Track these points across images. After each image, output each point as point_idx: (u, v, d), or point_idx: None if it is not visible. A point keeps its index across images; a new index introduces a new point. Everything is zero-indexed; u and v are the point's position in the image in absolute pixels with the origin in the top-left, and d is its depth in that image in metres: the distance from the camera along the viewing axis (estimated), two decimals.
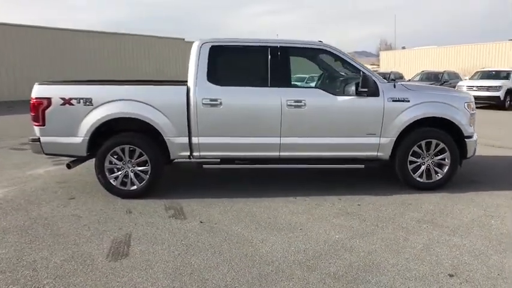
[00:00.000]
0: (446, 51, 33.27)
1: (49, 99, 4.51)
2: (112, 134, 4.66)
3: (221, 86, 4.58)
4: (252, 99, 4.60)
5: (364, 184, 5.20)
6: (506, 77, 15.34)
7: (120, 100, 4.53)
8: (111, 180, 4.66)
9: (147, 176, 4.65)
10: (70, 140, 4.60)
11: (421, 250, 3.31)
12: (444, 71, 18.57)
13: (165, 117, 4.54)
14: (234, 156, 4.74)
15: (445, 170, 4.83)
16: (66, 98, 4.51)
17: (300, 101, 4.56)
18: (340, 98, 4.62)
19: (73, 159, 4.85)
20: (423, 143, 4.76)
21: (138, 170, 4.67)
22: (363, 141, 4.72)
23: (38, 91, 4.55)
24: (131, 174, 4.67)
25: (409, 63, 35.69)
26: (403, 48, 50.05)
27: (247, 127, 4.62)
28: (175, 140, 4.61)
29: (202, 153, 4.68)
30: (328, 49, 4.78)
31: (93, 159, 4.82)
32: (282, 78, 4.65)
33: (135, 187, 4.68)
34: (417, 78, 18.87)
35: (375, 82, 4.61)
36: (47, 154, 4.76)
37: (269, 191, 4.90)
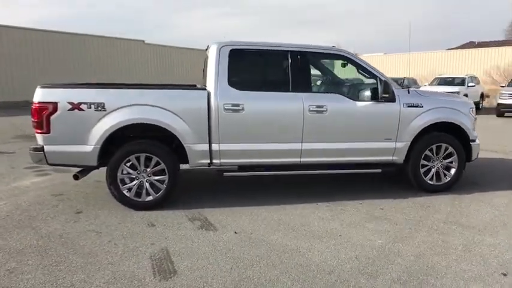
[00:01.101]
0: (396, 58, 35.19)
1: (55, 104, 4.11)
2: (122, 142, 4.35)
3: (243, 90, 4.44)
4: (275, 104, 4.52)
5: (374, 188, 5.29)
6: (462, 83, 16.52)
7: (136, 105, 4.24)
8: (125, 192, 4.34)
9: (164, 186, 4.39)
10: (79, 148, 4.22)
11: (464, 251, 3.41)
12: (404, 78, 19.51)
13: (185, 123, 4.32)
14: (254, 163, 4.61)
15: (453, 173, 5.06)
16: (75, 102, 4.13)
17: (321, 106, 4.55)
18: (360, 104, 4.67)
19: (79, 169, 4.47)
20: (434, 147, 4.95)
21: (154, 180, 4.39)
22: (380, 146, 4.81)
23: (42, 95, 4.13)
24: (146, 184, 4.38)
25: None
26: (356, 54, 52.27)
27: (269, 133, 4.53)
28: (195, 147, 4.40)
29: (222, 161, 4.51)
30: (346, 55, 4.83)
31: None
32: (303, 83, 4.62)
33: (150, 198, 4.39)
34: None
35: (392, 88, 4.72)
36: (50, 164, 4.32)
37: (287, 197, 4.83)
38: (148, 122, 4.25)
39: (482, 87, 18.64)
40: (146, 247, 3.46)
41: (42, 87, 4.18)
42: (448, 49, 42.09)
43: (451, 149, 4.99)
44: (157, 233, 3.77)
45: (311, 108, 4.54)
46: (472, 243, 3.57)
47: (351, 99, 4.69)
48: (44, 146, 4.19)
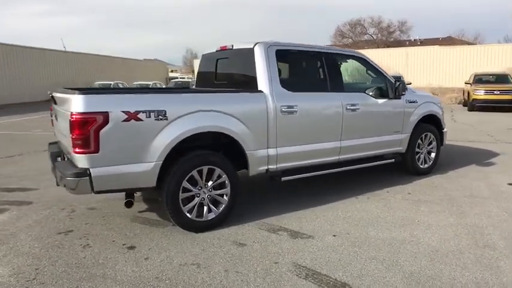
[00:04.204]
0: None
1: (106, 115, 3.22)
2: (177, 156, 3.71)
3: (294, 91, 4.32)
4: (322, 104, 4.55)
5: (376, 178, 5.78)
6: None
7: (199, 111, 3.67)
8: (186, 213, 3.71)
9: (226, 199, 3.93)
10: (135, 167, 3.41)
11: None
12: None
13: (247, 129, 3.96)
14: (304, 164, 4.52)
15: (433, 157, 6.01)
16: (132, 111, 3.32)
17: (355, 105, 4.80)
18: (380, 101, 5.10)
19: (127, 193, 3.60)
20: (423, 135, 5.79)
21: (216, 194, 3.88)
22: (392, 138, 5.35)
23: (87, 104, 3.17)
24: (207, 201, 3.84)
25: None
26: None
27: (318, 133, 4.53)
28: (257, 154, 4.08)
29: (279, 165, 4.29)
30: (363, 57, 5.20)
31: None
32: (338, 83, 4.78)
33: (212, 216, 3.87)
34: None
35: None
36: (97, 192, 3.34)
37: (326, 195, 4.89)
38: (216, 130, 3.74)
39: None
40: (276, 268, 3.10)
41: (85, 93, 3.20)
42: None
43: (432, 137, 5.93)
44: (262, 251, 3.39)
45: (348, 107, 4.74)
46: (508, 210, 4.39)
47: (373, 97, 5.08)
48: (90, 169, 3.23)
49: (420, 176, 5.81)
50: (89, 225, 4.06)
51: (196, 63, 50.41)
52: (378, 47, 44.26)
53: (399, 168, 5.92)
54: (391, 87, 5.16)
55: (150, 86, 23.14)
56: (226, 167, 3.88)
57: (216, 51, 5.00)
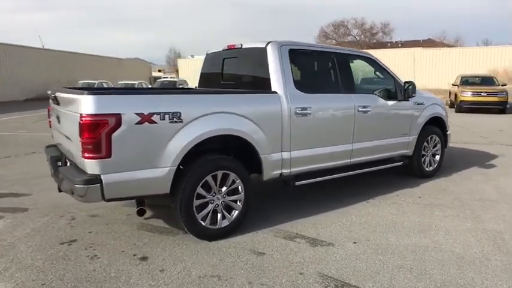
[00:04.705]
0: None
1: (118, 117, 3.00)
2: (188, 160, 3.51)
3: (307, 93, 4.17)
4: (335, 106, 4.42)
5: (379, 182, 5.70)
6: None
7: (215, 113, 3.49)
8: (200, 221, 3.51)
9: (240, 206, 3.75)
10: (148, 173, 3.20)
11: None
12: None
13: (262, 131, 3.79)
14: (316, 168, 4.38)
15: (438, 159, 5.98)
16: (146, 113, 3.11)
17: (366, 107, 4.69)
18: (390, 103, 5.01)
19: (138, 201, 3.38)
20: (429, 138, 5.74)
21: (230, 200, 3.70)
22: (400, 140, 5.27)
23: (98, 105, 2.94)
24: (221, 207, 3.65)
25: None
26: (192, 56, 52.91)
27: (330, 136, 4.41)
28: (271, 158, 3.91)
29: (293, 169, 4.13)
30: (373, 58, 5.10)
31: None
32: (350, 84, 4.66)
33: (226, 223, 3.68)
34: None
35: None
36: (107, 200, 3.10)
37: (332, 201, 4.76)
38: (232, 133, 3.56)
39: None
40: (302, 279, 2.94)
41: (95, 93, 2.97)
42: None
43: (437, 139, 5.89)
44: (283, 260, 3.22)
45: (359, 109, 4.62)
46: None
47: (382, 98, 4.98)
48: (102, 176, 3.00)
49: (426, 178, 5.76)
50: (93, 233, 3.82)
51: (181, 63, 49.23)
52: (361, 48, 44.77)
53: (403, 171, 5.85)
54: (400, 89, 5.09)
55: (136, 86, 22.64)
56: (240, 171, 3.71)
57: (223, 50, 4.81)
